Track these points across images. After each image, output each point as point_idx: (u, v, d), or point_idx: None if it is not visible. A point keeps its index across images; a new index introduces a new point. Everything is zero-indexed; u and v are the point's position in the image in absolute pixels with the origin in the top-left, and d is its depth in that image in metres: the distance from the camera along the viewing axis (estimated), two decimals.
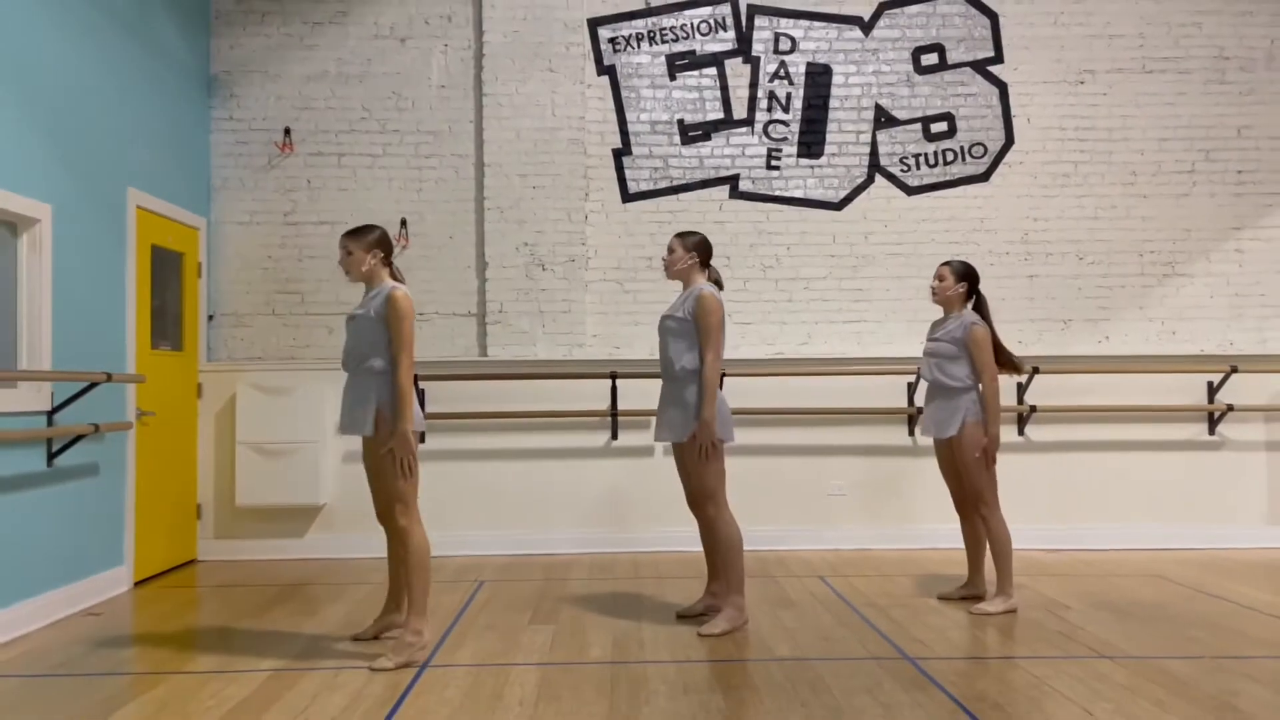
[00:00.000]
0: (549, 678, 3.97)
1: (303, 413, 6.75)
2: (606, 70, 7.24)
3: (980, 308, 5.22)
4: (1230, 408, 6.87)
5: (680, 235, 5.00)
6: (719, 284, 4.99)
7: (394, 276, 4.52)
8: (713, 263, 7.26)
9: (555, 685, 3.86)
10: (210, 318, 7.05)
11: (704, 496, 4.72)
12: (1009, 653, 4.32)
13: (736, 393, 6.77)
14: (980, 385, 5.06)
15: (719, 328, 4.72)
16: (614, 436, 6.98)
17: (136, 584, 5.95)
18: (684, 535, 6.85)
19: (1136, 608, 5.13)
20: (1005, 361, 5.11)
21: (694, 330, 4.74)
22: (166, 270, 6.51)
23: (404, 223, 7.12)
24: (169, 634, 4.81)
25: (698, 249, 4.96)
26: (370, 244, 4.39)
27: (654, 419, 6.96)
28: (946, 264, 5.28)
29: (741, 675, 4.00)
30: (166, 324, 6.51)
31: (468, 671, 4.08)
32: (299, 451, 6.73)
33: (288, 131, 7.11)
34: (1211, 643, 4.44)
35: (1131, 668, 4.05)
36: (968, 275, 5.20)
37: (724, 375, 6.75)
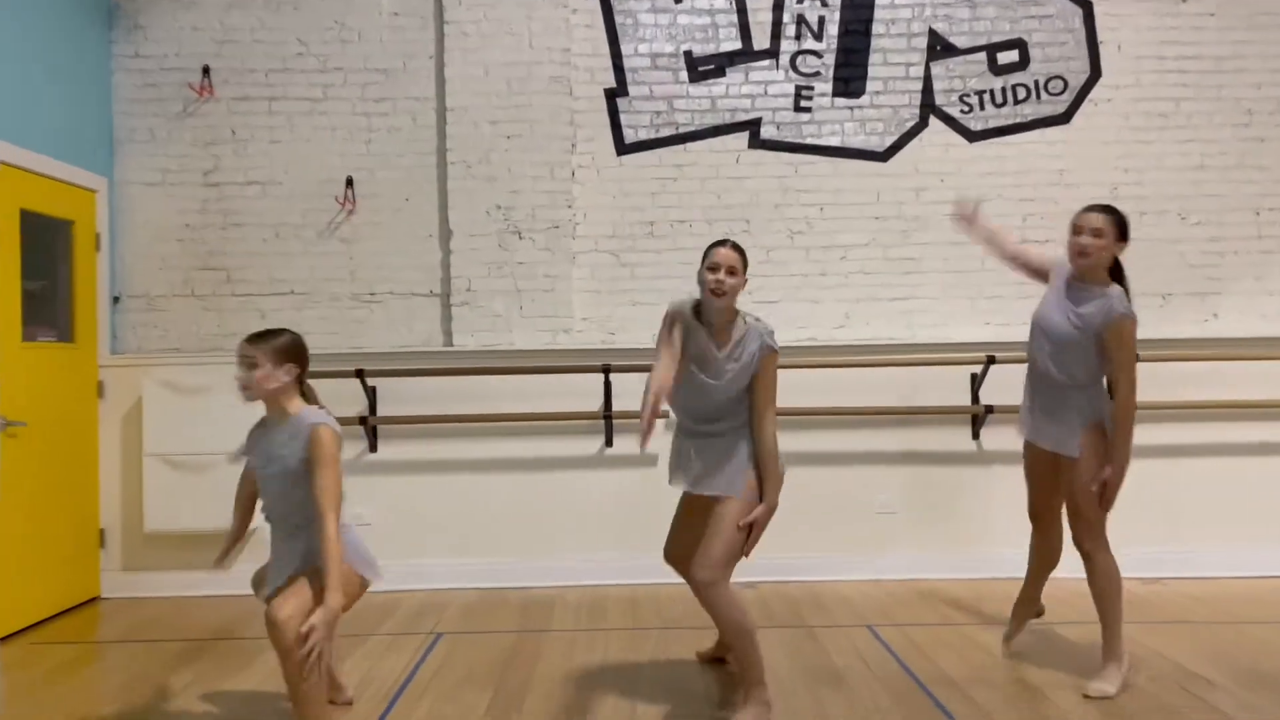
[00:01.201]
0: None
1: (223, 417, 5.41)
2: None
3: (1121, 281, 3.85)
4: None
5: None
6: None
7: (306, 397, 3.34)
8: (729, 224, 6.01)
9: None
10: (115, 300, 5.78)
11: (716, 563, 3.43)
12: None
13: None
14: (1112, 391, 3.73)
15: None
16: (608, 443, 5.69)
17: (2, 639, 4.71)
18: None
19: None
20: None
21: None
22: (49, 242, 5.24)
23: (350, 182, 5.80)
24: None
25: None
26: (282, 354, 3.23)
27: (658, 422, 5.69)
28: (1103, 211, 3.83)
29: None
30: (49, 309, 5.24)
31: None
32: (218, 465, 5.43)
33: (206, 71, 5.79)
34: None
35: None
36: (1127, 233, 3.82)
37: None
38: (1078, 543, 3.83)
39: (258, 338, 3.30)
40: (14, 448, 4.79)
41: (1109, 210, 3.81)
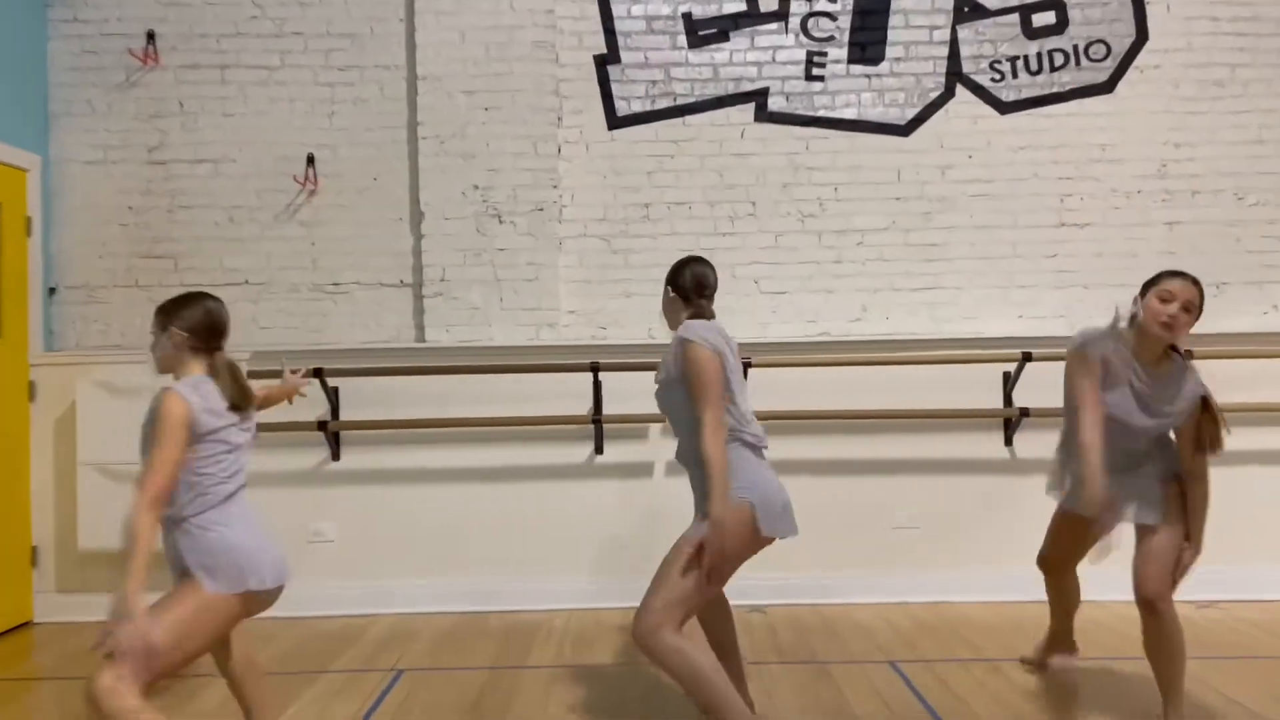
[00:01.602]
0: None
1: None
2: None
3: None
4: None
5: None
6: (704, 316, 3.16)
7: (219, 374, 2.86)
8: (734, 206, 5.42)
9: None
10: (52, 291, 5.21)
11: (652, 611, 2.90)
12: None
13: (764, 387, 4.88)
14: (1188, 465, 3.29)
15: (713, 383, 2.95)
16: (598, 450, 5.10)
17: None
18: None
19: None
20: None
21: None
22: None
23: (311, 159, 5.22)
24: None
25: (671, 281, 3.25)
26: (164, 317, 2.89)
27: (653, 426, 5.11)
28: (1196, 284, 3.20)
29: None
30: None
31: None
32: None
33: (151, 37, 5.21)
34: None
35: None
36: None
37: (747, 365, 4.86)
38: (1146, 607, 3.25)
39: (164, 307, 2.88)
40: None
41: (1199, 284, 3.21)
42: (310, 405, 4.93)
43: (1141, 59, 5.30)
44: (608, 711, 3.58)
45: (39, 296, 5.10)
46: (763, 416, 4.73)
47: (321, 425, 4.95)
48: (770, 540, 3.04)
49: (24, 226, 5.01)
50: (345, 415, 5.02)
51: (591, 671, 4.04)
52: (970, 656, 4.16)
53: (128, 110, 5.25)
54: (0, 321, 4.84)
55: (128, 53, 5.20)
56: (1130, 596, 3.26)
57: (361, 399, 5.04)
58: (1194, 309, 3.17)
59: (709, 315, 3.18)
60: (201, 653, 2.71)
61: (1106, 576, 3.59)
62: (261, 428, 4.80)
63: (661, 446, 5.08)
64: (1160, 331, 3.15)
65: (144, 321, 5.17)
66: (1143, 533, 3.28)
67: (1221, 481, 4.95)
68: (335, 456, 5.06)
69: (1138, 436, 3.23)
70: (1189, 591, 4.87)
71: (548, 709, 3.62)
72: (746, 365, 4.88)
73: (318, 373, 4.84)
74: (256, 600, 2.71)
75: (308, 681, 3.97)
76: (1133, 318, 3.22)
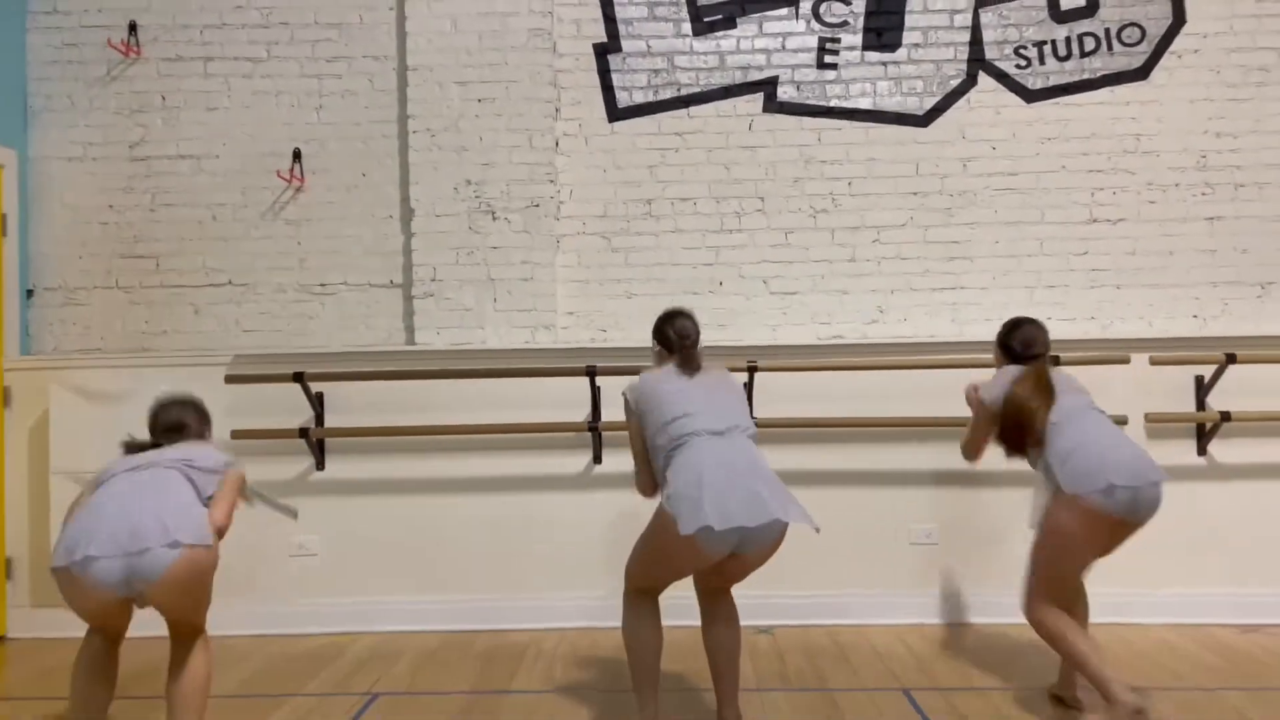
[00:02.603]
0: None
1: (145, 428, 4.65)
2: None
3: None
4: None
5: None
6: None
7: None
8: (741, 202, 5.13)
9: None
10: (29, 293, 5.02)
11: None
12: None
13: (774, 393, 4.60)
14: None
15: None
16: (597, 459, 4.81)
17: None
18: (688, 606, 4.71)
19: None
20: None
21: None
22: None
23: (297, 155, 5.00)
24: None
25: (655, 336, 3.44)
26: None
27: None
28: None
29: None
30: None
31: None
32: None
33: (133, 28, 5.02)
34: None
35: None
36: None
37: (754, 369, 4.58)
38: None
39: None
40: None
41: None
42: (293, 411, 4.70)
43: (1179, 44, 4.96)
44: None
45: (16, 298, 4.91)
46: (772, 424, 4.47)
47: (304, 432, 4.70)
48: (719, 543, 2.92)
49: None
50: (330, 422, 4.77)
51: (580, 697, 3.75)
52: (996, 684, 3.83)
53: (108, 105, 5.05)
54: None
55: (108, 45, 5.00)
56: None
57: (348, 405, 4.78)
58: None
59: (691, 363, 3.28)
60: None
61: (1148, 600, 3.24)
62: (241, 434, 4.61)
63: None
64: None
65: (125, 324, 5.00)
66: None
67: (1265, 496, 4.63)
68: (320, 465, 4.81)
69: None
70: (1234, 614, 4.53)
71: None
72: (752, 370, 4.59)
73: (296, 377, 4.59)
74: None
75: (274, 705, 3.71)
76: None
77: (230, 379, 4.66)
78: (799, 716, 3.51)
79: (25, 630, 4.82)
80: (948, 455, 4.77)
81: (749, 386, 4.59)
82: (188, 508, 2.92)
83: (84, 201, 5.04)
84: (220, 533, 2.98)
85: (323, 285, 5.03)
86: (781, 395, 4.64)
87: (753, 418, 3.32)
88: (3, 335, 4.82)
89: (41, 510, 4.78)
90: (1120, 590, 4.31)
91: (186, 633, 3.06)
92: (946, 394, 4.71)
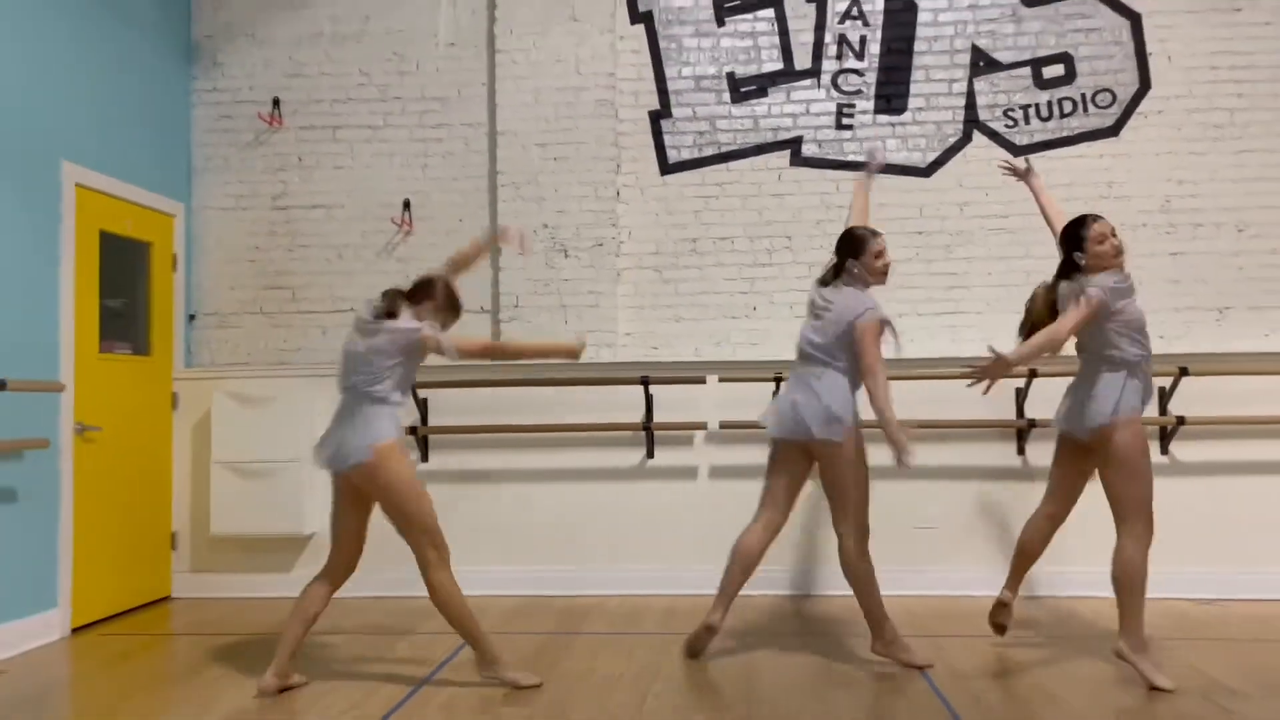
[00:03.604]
0: None
1: (286, 427, 5.77)
2: (642, 17, 6.07)
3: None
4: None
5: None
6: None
7: None
8: (771, 241, 6.10)
9: None
10: (192, 317, 6.17)
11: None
12: None
13: None
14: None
15: None
16: (649, 455, 5.80)
17: (75, 630, 5.04)
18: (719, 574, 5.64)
19: None
20: None
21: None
22: (128, 262, 5.65)
23: (407, 204, 6.10)
24: (72, 695, 3.90)
25: None
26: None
27: (698, 433, 5.78)
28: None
29: None
30: (127, 324, 5.64)
31: None
32: (281, 473, 5.75)
33: (277, 103, 6.18)
34: None
35: None
36: None
37: (780, 379, 5.53)
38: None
39: None
40: (91, 452, 5.15)
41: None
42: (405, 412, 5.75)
43: (1145, 105, 5.84)
44: (652, 659, 4.25)
45: (181, 321, 6.06)
46: None
47: (413, 430, 5.76)
48: None
49: (171, 263, 5.99)
50: (433, 422, 5.83)
51: (637, 636, 4.72)
52: (974, 633, 4.70)
53: (256, 165, 6.21)
54: (150, 342, 5.80)
55: (257, 116, 6.16)
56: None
57: (447, 408, 5.83)
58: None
59: None
60: None
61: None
62: None
63: (705, 452, 5.77)
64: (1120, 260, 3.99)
65: (267, 343, 6.13)
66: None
67: (1218, 490, 5.43)
68: (425, 458, 5.87)
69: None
70: (1193, 589, 5.32)
71: (601, 654, 4.31)
72: (779, 380, 5.54)
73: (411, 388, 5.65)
74: None
75: (399, 639, 4.74)
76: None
77: None
78: (809, 656, 4.41)
79: (186, 591, 5.92)
80: (946, 453, 5.69)
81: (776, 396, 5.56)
82: None
83: (235, 243, 6.19)
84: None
85: None
86: None
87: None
88: (173, 351, 5.97)
89: (202, 494, 5.88)
90: (1087, 568, 5.14)
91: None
92: (947, 402, 5.63)
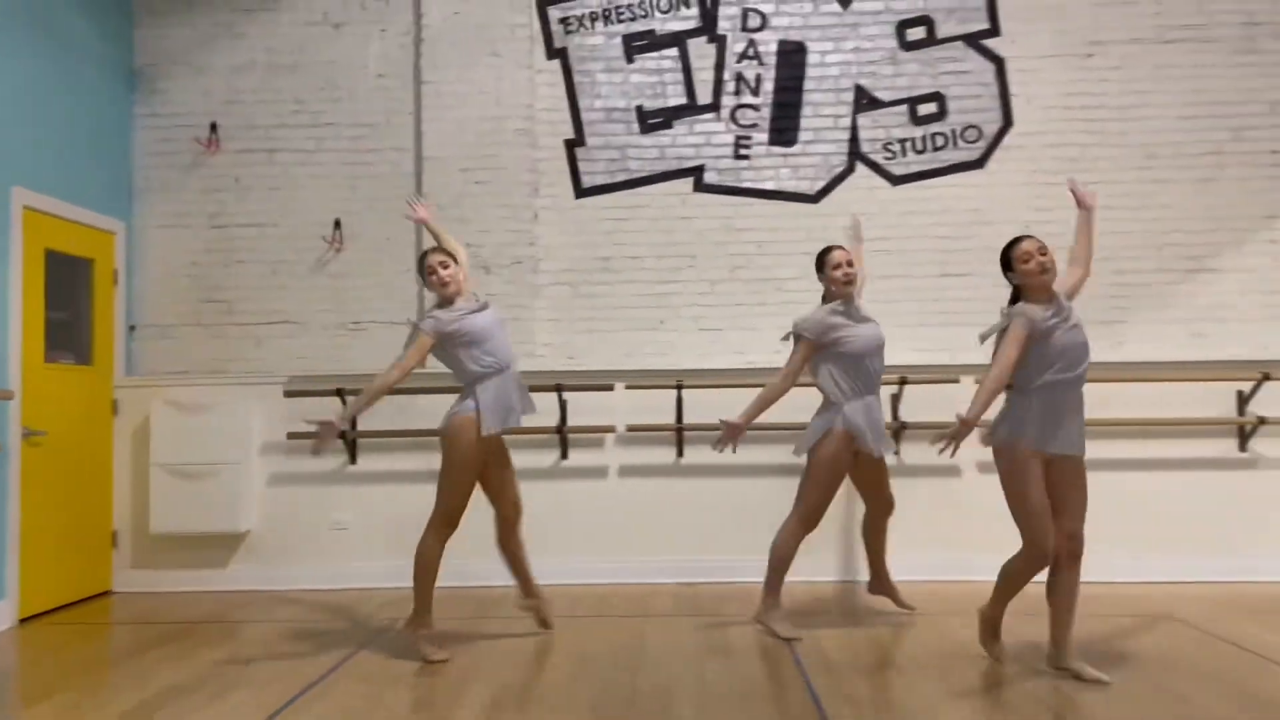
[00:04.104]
0: None
1: (223, 432, 6.19)
2: (557, 53, 6.60)
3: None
4: (1262, 420, 5.99)
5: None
6: None
7: None
8: (677, 260, 6.64)
9: None
10: (132, 329, 6.54)
11: None
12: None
13: (701, 406, 6.08)
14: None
15: None
16: (564, 456, 6.32)
17: (22, 621, 5.41)
18: (635, 567, 6.21)
19: (1133, 659, 4.32)
20: None
21: None
22: (72, 277, 6.02)
23: (338, 223, 6.55)
24: (19, 677, 4.29)
25: None
26: None
27: (608, 435, 6.31)
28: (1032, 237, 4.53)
29: None
30: (71, 335, 6.01)
31: None
32: (218, 474, 6.16)
33: (214, 127, 6.58)
34: (1213, 709, 3.63)
35: None
36: None
37: (681, 386, 6.09)
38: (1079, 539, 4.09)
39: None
40: (36, 455, 5.52)
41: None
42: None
43: (1008, 140, 6.51)
44: (550, 637, 4.76)
45: (122, 333, 6.43)
46: (698, 428, 5.94)
47: (341, 435, 6.20)
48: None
49: (112, 278, 6.36)
50: (361, 427, 6.27)
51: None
52: (839, 612, 5.28)
53: (194, 186, 6.61)
54: (93, 352, 6.17)
55: (195, 140, 6.57)
56: None
57: (376, 415, 6.25)
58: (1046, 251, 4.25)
59: None
60: None
61: None
62: (295, 435, 6.10)
63: (614, 453, 6.30)
64: (1045, 278, 4.15)
65: (204, 353, 6.53)
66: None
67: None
68: (353, 460, 6.31)
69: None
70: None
71: (503, 633, 4.81)
72: (680, 387, 6.11)
73: (338, 392, 6.12)
74: None
75: (320, 624, 5.19)
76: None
77: (288, 394, 6.19)
78: (691, 635, 4.95)
79: (127, 586, 6.28)
80: None
81: (678, 402, 6.13)
82: None
83: (174, 259, 6.58)
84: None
85: (356, 323, 6.55)
86: (708, 407, 6.09)
87: None
88: (114, 361, 6.34)
89: (142, 494, 6.25)
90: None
91: None
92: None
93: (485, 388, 4.56)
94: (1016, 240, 4.34)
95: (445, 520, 4.66)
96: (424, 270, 4.70)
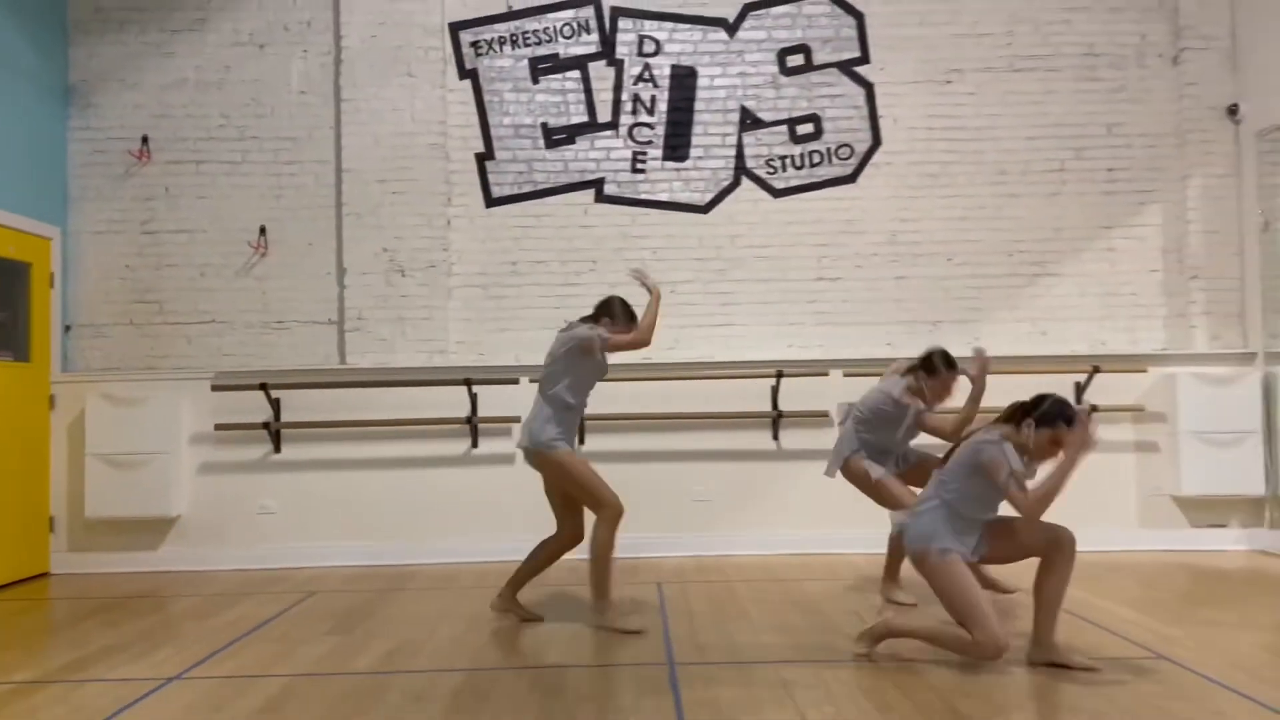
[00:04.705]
0: (292, 689, 3.88)
1: (154, 424, 6.67)
2: (469, 74, 7.17)
3: None
4: (1095, 408, 6.75)
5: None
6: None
7: None
8: (579, 264, 7.25)
9: (290, 697, 3.77)
10: (68, 328, 6.98)
11: None
12: (757, 657, 4.20)
13: (606, 397, 6.62)
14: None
15: None
16: (474, 444, 6.89)
17: None
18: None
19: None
20: None
21: None
22: (9, 280, 6.46)
23: (263, 230, 7.04)
24: None
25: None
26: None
27: (514, 425, 6.89)
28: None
29: (489, 684, 3.91)
30: (9, 334, 6.45)
31: (214, 683, 3.99)
32: (150, 463, 6.64)
33: (145, 140, 7.05)
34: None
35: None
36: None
37: None
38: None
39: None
40: None
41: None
42: (259, 412, 6.71)
43: (877, 158, 7.21)
44: (450, 607, 5.34)
45: (58, 332, 6.87)
46: (605, 418, 6.56)
47: (266, 426, 6.72)
48: None
49: (48, 280, 6.80)
50: (285, 419, 6.79)
51: (448, 591, 5.81)
52: (718, 580, 5.93)
53: (126, 194, 7.06)
54: (30, 350, 6.61)
55: (127, 152, 7.02)
56: None
57: (300, 407, 6.80)
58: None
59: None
60: None
61: None
62: (222, 427, 6.61)
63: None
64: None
65: (137, 351, 7.00)
66: None
67: None
68: (277, 450, 6.83)
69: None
70: (866, 546, 6.65)
71: (413, 604, 5.38)
72: None
73: (262, 386, 6.64)
74: None
75: (243, 598, 5.72)
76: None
77: (215, 388, 6.70)
78: (581, 599, 5.57)
79: (63, 568, 6.73)
80: (719, 439, 6.92)
81: None
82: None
83: (108, 263, 7.03)
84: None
85: (280, 322, 7.05)
86: (611, 399, 6.66)
87: None
88: (50, 358, 6.78)
89: (78, 482, 6.69)
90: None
91: None
92: (719, 397, 6.86)
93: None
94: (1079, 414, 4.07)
95: (610, 513, 4.78)
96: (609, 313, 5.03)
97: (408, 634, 4.76)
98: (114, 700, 3.75)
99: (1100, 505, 6.85)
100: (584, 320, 5.03)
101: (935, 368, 5.18)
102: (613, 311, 5.01)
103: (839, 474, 5.34)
